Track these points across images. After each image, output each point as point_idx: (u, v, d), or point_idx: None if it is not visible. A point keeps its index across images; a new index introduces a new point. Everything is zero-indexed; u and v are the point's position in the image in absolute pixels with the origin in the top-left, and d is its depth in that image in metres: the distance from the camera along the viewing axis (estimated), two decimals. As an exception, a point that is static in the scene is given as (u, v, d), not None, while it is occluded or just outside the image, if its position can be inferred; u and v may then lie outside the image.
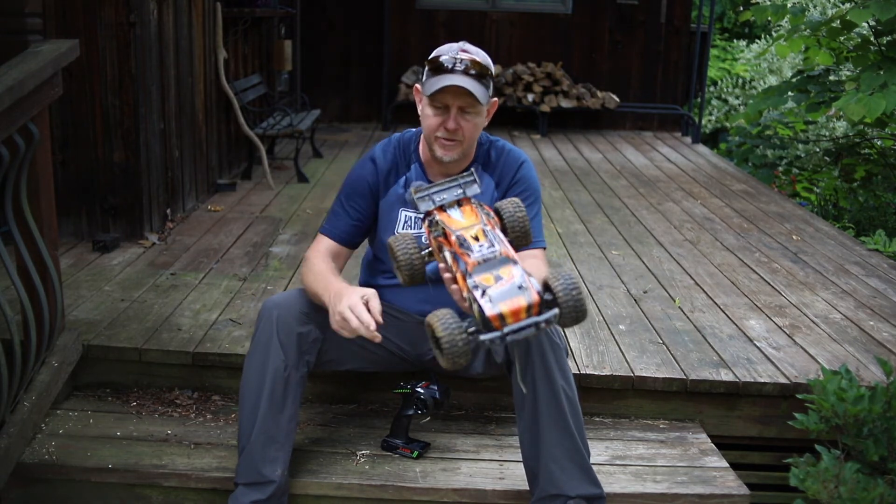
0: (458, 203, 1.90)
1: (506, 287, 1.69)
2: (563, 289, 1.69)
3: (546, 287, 1.72)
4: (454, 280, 1.81)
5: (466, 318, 1.72)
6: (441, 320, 1.68)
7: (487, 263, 1.74)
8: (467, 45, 2.24)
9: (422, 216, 1.94)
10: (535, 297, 1.68)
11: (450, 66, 2.17)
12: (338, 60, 8.23)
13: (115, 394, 2.77)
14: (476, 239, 1.80)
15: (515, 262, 1.75)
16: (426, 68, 2.23)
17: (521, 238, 1.91)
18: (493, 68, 2.26)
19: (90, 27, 3.75)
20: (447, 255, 1.83)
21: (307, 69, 7.69)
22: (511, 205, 1.93)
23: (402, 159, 2.40)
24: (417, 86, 2.28)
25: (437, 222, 1.87)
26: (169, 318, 3.03)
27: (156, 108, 4.09)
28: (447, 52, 2.21)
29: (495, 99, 2.31)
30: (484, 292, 1.68)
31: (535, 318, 1.67)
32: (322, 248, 2.38)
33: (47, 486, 2.37)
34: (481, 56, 2.23)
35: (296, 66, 7.05)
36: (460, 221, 1.86)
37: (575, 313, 1.70)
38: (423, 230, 1.97)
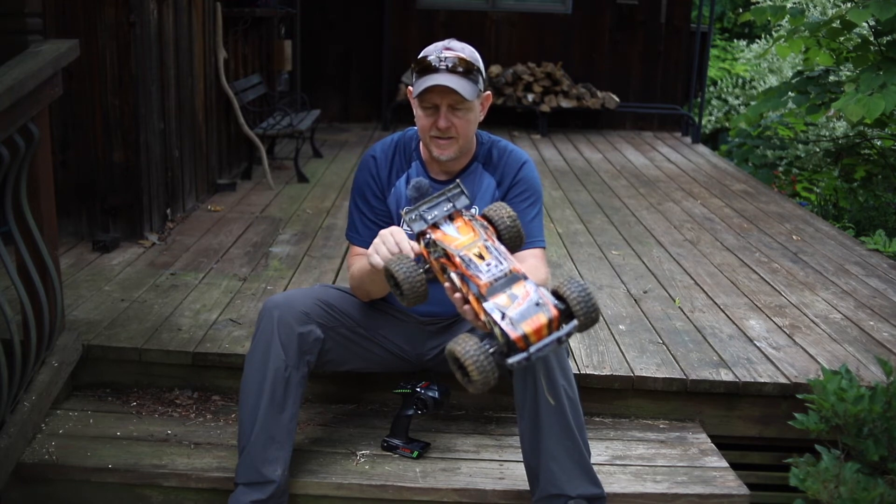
0: (450, 217, 1.89)
1: (524, 306, 1.68)
2: (575, 297, 1.70)
3: (557, 295, 1.72)
4: (465, 300, 1.79)
5: (484, 336, 1.72)
6: (464, 349, 1.66)
7: (499, 283, 1.73)
8: (452, 43, 2.24)
9: (415, 236, 1.92)
10: (554, 312, 1.68)
11: (435, 66, 2.17)
12: (338, 60, 8.23)
13: (115, 394, 2.77)
14: (481, 257, 1.78)
15: (526, 278, 1.74)
16: (414, 69, 2.23)
17: (516, 241, 1.90)
18: (480, 63, 2.25)
19: (90, 27, 3.76)
20: (454, 276, 1.80)
21: (307, 69, 7.69)
22: (501, 210, 1.91)
23: (403, 157, 2.41)
24: (409, 88, 2.28)
25: (435, 243, 1.84)
26: (169, 318, 3.03)
27: (156, 108, 4.09)
28: (432, 51, 2.21)
29: (488, 92, 2.32)
30: (504, 315, 1.67)
31: (557, 334, 1.67)
32: (359, 252, 2.38)
33: (47, 486, 2.37)
34: (467, 52, 2.23)
35: (296, 66, 7.05)
36: (458, 238, 1.84)
37: (590, 320, 1.71)
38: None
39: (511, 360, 1.65)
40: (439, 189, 1.97)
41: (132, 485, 2.35)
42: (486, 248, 1.80)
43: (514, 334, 1.65)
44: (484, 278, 1.74)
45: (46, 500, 2.37)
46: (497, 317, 1.67)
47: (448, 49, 2.21)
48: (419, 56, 2.23)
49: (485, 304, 1.70)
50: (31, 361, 2.41)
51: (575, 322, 1.69)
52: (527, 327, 1.65)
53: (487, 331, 1.71)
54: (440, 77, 2.16)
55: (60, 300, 2.62)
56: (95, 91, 3.83)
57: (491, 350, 1.67)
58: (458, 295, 1.80)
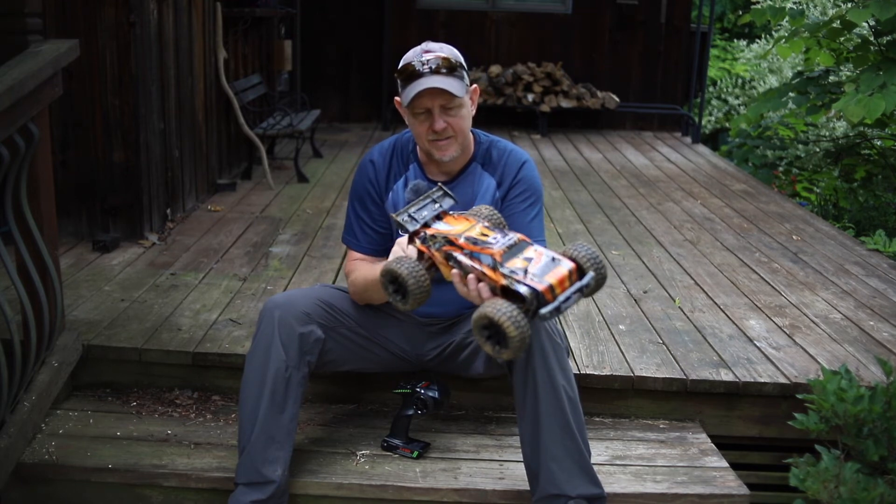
0: (439, 217, 1.92)
1: (542, 263, 1.74)
2: (584, 255, 1.77)
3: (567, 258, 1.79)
4: (478, 279, 1.81)
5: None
6: (495, 308, 1.69)
7: (511, 251, 1.78)
8: (429, 45, 2.25)
9: (408, 237, 1.94)
10: (571, 264, 1.75)
11: (419, 70, 2.18)
12: (338, 60, 8.23)
13: (115, 394, 2.77)
14: (485, 235, 1.83)
15: (533, 244, 1.80)
16: (398, 80, 2.23)
17: None
18: (461, 58, 2.26)
19: (90, 27, 3.76)
20: (462, 258, 1.82)
21: (307, 69, 7.69)
22: (480, 209, 1.95)
23: (401, 160, 2.41)
24: (398, 98, 2.27)
25: (433, 236, 1.87)
26: (169, 318, 3.03)
27: (156, 108, 4.09)
28: (412, 57, 2.21)
29: (475, 86, 2.33)
30: (526, 272, 1.72)
31: (579, 284, 1.74)
32: (358, 258, 2.39)
33: (47, 486, 2.37)
34: (446, 50, 2.24)
35: (296, 66, 7.05)
36: (455, 228, 1.88)
37: (601, 276, 1.78)
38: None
39: (544, 311, 1.69)
40: None
41: (132, 485, 2.35)
42: (487, 227, 1.86)
43: (540, 286, 1.69)
44: (496, 248, 1.78)
45: (46, 500, 2.37)
46: (520, 275, 1.72)
47: (427, 51, 2.21)
48: (400, 65, 2.23)
49: (502, 269, 1.74)
50: (31, 361, 2.41)
51: (592, 273, 1.76)
52: (551, 279, 1.71)
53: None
54: (427, 80, 2.17)
55: (60, 300, 2.62)
56: (95, 91, 3.83)
57: (520, 310, 1.71)
58: (470, 276, 1.82)
